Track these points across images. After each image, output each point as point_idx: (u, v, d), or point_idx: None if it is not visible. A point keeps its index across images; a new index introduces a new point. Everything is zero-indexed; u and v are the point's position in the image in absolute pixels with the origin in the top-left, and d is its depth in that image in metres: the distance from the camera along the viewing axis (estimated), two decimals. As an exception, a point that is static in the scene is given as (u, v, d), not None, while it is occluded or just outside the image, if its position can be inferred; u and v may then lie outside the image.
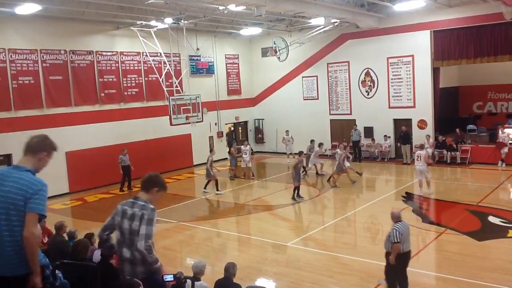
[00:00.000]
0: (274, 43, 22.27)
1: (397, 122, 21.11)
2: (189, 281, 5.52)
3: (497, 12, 16.95)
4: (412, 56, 20.19)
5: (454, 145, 19.44)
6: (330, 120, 23.26)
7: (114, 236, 4.42)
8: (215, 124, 23.87)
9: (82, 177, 17.71)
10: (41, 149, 3.59)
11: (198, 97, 19.19)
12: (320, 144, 18.94)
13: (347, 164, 16.77)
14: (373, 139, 21.45)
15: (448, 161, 19.38)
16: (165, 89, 19.22)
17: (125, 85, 19.67)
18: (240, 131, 26.12)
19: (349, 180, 16.68)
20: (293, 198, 14.98)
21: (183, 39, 19.70)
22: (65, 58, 17.62)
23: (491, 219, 11.96)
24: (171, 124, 18.30)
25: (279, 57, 22.63)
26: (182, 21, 18.06)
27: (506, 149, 18.32)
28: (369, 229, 12.29)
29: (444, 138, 19.81)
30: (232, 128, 25.69)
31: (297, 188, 15.08)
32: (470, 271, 8.68)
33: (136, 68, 20.13)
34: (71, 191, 17.52)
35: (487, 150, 19.12)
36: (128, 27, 18.81)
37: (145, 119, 20.27)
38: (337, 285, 8.61)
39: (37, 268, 3.33)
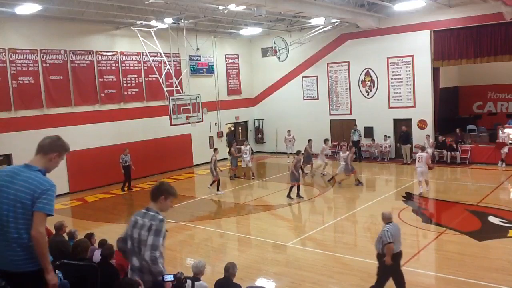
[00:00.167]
0: (274, 43, 22.29)
1: (397, 122, 21.12)
2: (189, 281, 5.52)
3: (497, 12, 16.95)
4: (412, 56, 20.19)
5: (454, 145, 19.44)
6: (330, 120, 23.26)
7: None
8: (215, 124, 23.87)
9: (82, 177, 17.71)
10: (52, 149, 3.63)
11: (198, 97, 19.19)
12: (326, 140, 19.21)
13: (343, 165, 16.76)
14: (373, 139, 21.45)
15: (448, 161, 19.38)
16: (165, 89, 19.22)
17: (125, 85, 19.67)
18: (240, 131, 26.11)
19: (354, 181, 16.66)
20: (288, 196, 15.05)
21: (183, 39, 19.71)
22: (65, 58, 17.62)
23: (491, 219, 11.96)
24: (171, 124, 18.30)
25: (279, 57, 22.64)
26: (182, 21, 18.06)
27: (506, 149, 18.33)
28: (369, 229, 12.28)
29: (444, 138, 19.81)
30: (232, 128, 25.69)
31: (295, 188, 15.14)
32: (470, 271, 8.68)
33: (136, 68, 20.13)
34: (71, 191, 17.52)
35: (487, 150, 19.12)
36: (128, 27, 18.81)
37: (145, 119, 20.27)
38: (337, 285, 8.61)
39: (48, 265, 3.39)
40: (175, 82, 19.23)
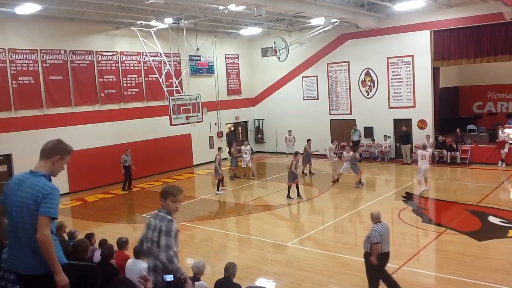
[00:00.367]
0: (274, 43, 22.28)
1: (397, 122, 21.12)
2: (189, 281, 5.51)
3: (497, 12, 16.94)
4: (412, 56, 20.19)
5: (454, 145, 19.44)
6: (330, 120, 23.26)
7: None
8: (215, 124, 23.87)
9: (82, 177, 17.71)
10: (54, 153, 3.72)
11: (198, 97, 19.19)
12: (333, 140, 19.62)
13: (347, 165, 16.77)
14: (373, 139, 21.45)
15: (448, 161, 19.38)
16: (165, 89, 19.22)
17: (125, 85, 19.67)
18: (240, 131, 26.11)
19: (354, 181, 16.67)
20: (288, 196, 15.08)
21: (183, 39, 19.72)
22: (65, 58, 17.62)
23: (491, 219, 11.96)
24: (171, 124, 18.30)
25: (279, 57, 22.63)
26: (182, 21, 18.06)
27: (506, 149, 18.33)
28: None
29: (444, 138, 19.81)
30: (232, 128, 25.69)
31: (294, 187, 15.20)
32: (470, 271, 8.68)
33: (136, 68, 20.13)
34: (71, 191, 17.52)
35: (487, 150, 19.13)
36: (128, 27, 18.80)
37: (145, 119, 20.27)
38: (337, 285, 8.61)
39: (56, 267, 3.48)
40: (175, 82, 19.23)
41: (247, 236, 12.22)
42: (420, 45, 19.93)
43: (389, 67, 20.97)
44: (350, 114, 22.52)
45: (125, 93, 19.69)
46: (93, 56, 18.52)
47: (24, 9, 14.46)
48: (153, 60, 20.04)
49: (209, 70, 23.35)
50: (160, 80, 19.55)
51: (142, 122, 20.20)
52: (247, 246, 11.37)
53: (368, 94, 21.88)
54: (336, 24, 20.47)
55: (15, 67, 16.25)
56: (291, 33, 23.03)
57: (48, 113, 17.14)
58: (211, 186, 18.44)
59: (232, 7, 15.63)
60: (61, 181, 17.03)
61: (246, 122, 26.12)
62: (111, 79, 19.16)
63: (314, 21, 20.00)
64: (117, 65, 19.37)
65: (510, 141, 18.52)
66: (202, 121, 19.91)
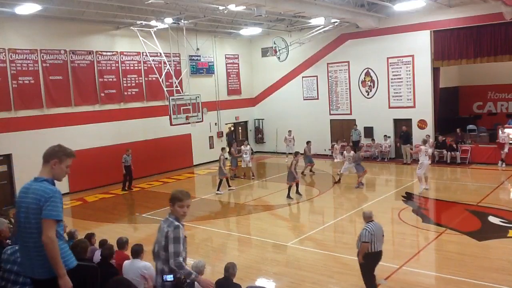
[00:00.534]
0: (274, 43, 22.28)
1: (397, 122, 21.12)
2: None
3: (497, 12, 16.94)
4: (412, 56, 20.19)
5: (454, 145, 19.44)
6: (330, 120, 23.26)
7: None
8: (215, 124, 23.87)
9: (82, 177, 17.68)
10: (52, 156, 3.81)
11: (198, 97, 19.19)
12: (338, 140, 19.80)
13: (347, 165, 16.77)
14: (373, 139, 21.44)
15: (448, 161, 19.38)
16: (165, 89, 19.21)
17: (125, 85, 19.67)
18: (240, 131, 26.11)
19: (353, 181, 16.68)
20: (288, 196, 15.10)
21: (183, 39, 19.72)
22: (65, 58, 17.62)
23: (491, 219, 11.96)
24: (171, 124, 18.30)
25: (279, 57, 22.63)
26: (182, 21, 18.06)
27: (506, 149, 18.32)
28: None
29: (444, 138, 19.81)
30: (232, 128, 25.69)
31: (294, 186, 15.24)
32: (470, 271, 8.68)
33: (136, 68, 20.13)
34: (71, 191, 17.52)
35: (487, 150, 19.13)
36: (128, 27, 18.80)
37: (145, 119, 20.27)
38: (337, 285, 8.60)
39: (60, 270, 3.53)
40: (175, 82, 19.23)
41: (247, 236, 12.22)
42: (420, 45, 19.93)
43: (389, 67, 20.97)
44: (350, 114, 22.52)
45: (125, 93, 19.69)
46: (93, 56, 18.51)
47: (24, 9, 14.46)
48: (153, 60, 20.04)
49: (209, 70, 23.35)
50: (160, 80, 19.54)
51: (142, 122, 20.20)
52: (247, 246, 11.37)
53: (368, 94, 21.88)
54: (336, 24, 20.47)
55: (15, 67, 16.25)
56: (291, 33, 23.03)
57: (48, 113, 17.14)
58: (211, 186, 18.45)
59: (232, 7, 15.63)
60: (61, 181, 17.01)
61: (246, 122, 26.12)
62: (111, 79, 19.16)
63: (314, 21, 20.00)
64: (117, 65, 19.37)
65: (510, 141, 18.52)
66: (202, 121, 19.91)
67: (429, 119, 20.24)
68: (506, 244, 10.24)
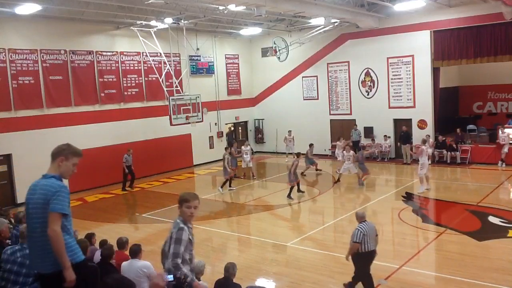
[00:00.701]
0: (274, 43, 22.28)
1: (397, 122, 21.12)
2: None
3: (497, 12, 16.95)
4: (412, 56, 20.19)
5: (454, 145, 19.43)
6: (330, 120, 23.26)
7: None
8: (215, 124, 23.87)
9: (82, 177, 17.58)
10: (58, 154, 3.93)
11: (198, 97, 19.19)
12: (340, 138, 19.83)
13: (347, 165, 16.76)
14: (373, 139, 21.44)
15: (448, 161, 19.38)
16: (165, 89, 19.22)
17: (125, 85, 19.67)
18: (240, 131, 26.11)
19: (357, 180, 16.66)
20: (289, 196, 15.11)
21: (183, 39, 19.71)
22: (65, 58, 17.62)
23: (491, 219, 11.95)
24: (171, 124, 18.30)
25: (279, 57, 22.63)
26: (182, 21, 18.06)
27: (506, 149, 18.32)
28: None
29: (444, 138, 19.81)
30: (232, 128, 25.69)
31: (296, 186, 15.26)
32: (470, 271, 8.68)
33: (136, 68, 20.13)
34: (71, 191, 17.20)
35: (487, 150, 19.12)
36: (128, 27, 18.80)
37: (145, 119, 20.27)
38: (337, 285, 8.60)
39: (65, 262, 3.64)
40: (175, 82, 19.23)
41: (247, 236, 12.22)
42: (420, 45, 19.92)
43: (389, 67, 20.97)
44: (350, 114, 22.52)
45: (125, 93, 19.69)
46: (93, 56, 18.51)
47: (24, 9, 14.45)
48: (153, 60, 20.04)
49: (209, 70, 23.35)
50: (160, 80, 19.54)
51: (142, 122, 20.20)
52: (247, 246, 11.37)
53: (368, 94, 21.87)
54: (336, 24, 20.47)
55: (15, 67, 16.25)
56: (291, 33, 23.03)
57: (48, 113, 17.13)
58: (211, 186, 18.46)
59: (232, 7, 15.63)
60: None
61: (246, 122, 26.12)
62: (111, 79, 19.16)
63: (314, 21, 20.01)
64: (117, 65, 19.37)
65: (510, 141, 18.51)
66: (202, 121, 19.90)
67: (429, 119, 20.24)
68: (506, 244, 10.24)
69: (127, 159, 17.68)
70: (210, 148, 23.37)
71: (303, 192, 15.61)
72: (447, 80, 21.97)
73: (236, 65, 25.21)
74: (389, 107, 21.20)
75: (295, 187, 15.36)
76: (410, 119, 20.58)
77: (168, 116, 18.16)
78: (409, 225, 11.84)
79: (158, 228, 12.98)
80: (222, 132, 24.25)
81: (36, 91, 16.77)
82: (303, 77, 24.02)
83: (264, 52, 24.91)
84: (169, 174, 20.60)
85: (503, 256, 9.48)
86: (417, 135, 20.12)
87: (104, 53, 18.88)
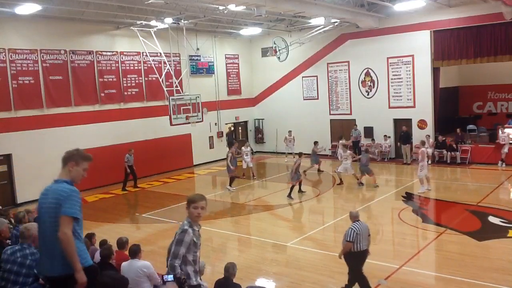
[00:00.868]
0: (274, 43, 22.27)
1: (397, 122, 21.11)
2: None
3: (497, 12, 16.95)
4: (412, 56, 20.19)
5: (454, 145, 19.43)
6: (330, 120, 23.26)
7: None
8: (215, 124, 23.87)
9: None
10: (69, 159, 4.02)
11: (198, 97, 19.19)
12: (341, 137, 19.98)
13: (345, 165, 16.76)
14: (373, 139, 21.44)
15: (448, 161, 19.38)
16: (165, 89, 19.22)
17: (125, 85, 19.66)
18: (240, 131, 26.11)
19: (356, 180, 16.65)
20: (289, 195, 15.12)
21: (183, 39, 19.71)
22: (65, 58, 17.62)
23: (491, 219, 11.95)
24: (171, 124, 18.30)
25: (279, 57, 22.63)
26: (182, 21, 18.06)
27: (506, 149, 18.32)
28: (369, 229, 12.27)
29: (444, 138, 19.80)
30: (232, 128, 25.69)
31: (296, 186, 15.30)
32: (470, 271, 8.68)
33: (136, 68, 20.13)
34: (71, 191, 17.47)
35: (487, 150, 19.12)
36: (128, 27, 18.80)
37: (145, 119, 20.27)
38: (337, 285, 8.59)
39: (76, 264, 3.71)
40: (175, 82, 19.23)
41: (247, 236, 12.22)
42: (420, 45, 19.92)
43: (389, 67, 20.97)
44: (350, 114, 22.52)
45: (125, 93, 19.69)
46: (93, 56, 18.51)
47: (24, 9, 14.45)
48: (153, 60, 20.04)
49: (209, 70, 23.35)
50: (160, 80, 19.54)
51: (142, 122, 20.20)
52: (247, 246, 11.37)
53: (368, 94, 21.87)
54: (336, 24, 20.47)
55: (15, 67, 16.24)
56: (291, 33, 23.02)
57: (48, 113, 17.13)
58: (211, 186, 18.46)
59: (232, 7, 15.63)
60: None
61: (246, 122, 26.12)
62: (111, 79, 19.16)
63: (314, 21, 20.01)
64: (117, 65, 19.37)
65: (510, 141, 18.51)
66: (202, 121, 19.91)
67: (429, 119, 20.24)
68: (506, 244, 10.24)
69: (129, 159, 17.69)
70: (210, 148, 23.37)
71: (304, 192, 15.61)
72: (447, 80, 21.96)
73: (236, 65, 25.21)
74: (389, 107, 21.20)
75: (296, 187, 15.39)
76: (410, 119, 20.58)
77: (168, 116, 18.16)
78: (409, 225, 11.84)
79: (158, 228, 12.98)
80: (222, 132, 24.25)
81: (36, 91, 16.76)
82: (303, 77, 24.02)
83: (264, 52, 24.91)
84: (169, 174, 20.60)
85: (503, 256, 9.48)
86: (417, 135, 20.12)
87: (104, 53, 18.88)
